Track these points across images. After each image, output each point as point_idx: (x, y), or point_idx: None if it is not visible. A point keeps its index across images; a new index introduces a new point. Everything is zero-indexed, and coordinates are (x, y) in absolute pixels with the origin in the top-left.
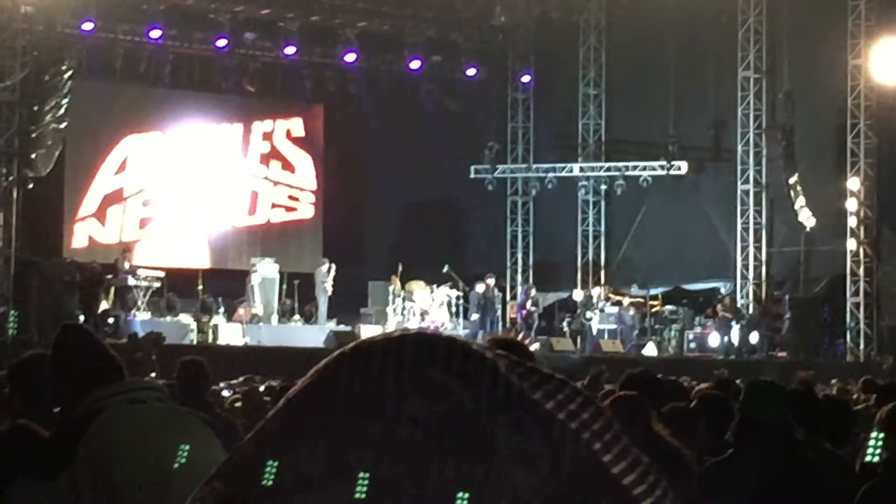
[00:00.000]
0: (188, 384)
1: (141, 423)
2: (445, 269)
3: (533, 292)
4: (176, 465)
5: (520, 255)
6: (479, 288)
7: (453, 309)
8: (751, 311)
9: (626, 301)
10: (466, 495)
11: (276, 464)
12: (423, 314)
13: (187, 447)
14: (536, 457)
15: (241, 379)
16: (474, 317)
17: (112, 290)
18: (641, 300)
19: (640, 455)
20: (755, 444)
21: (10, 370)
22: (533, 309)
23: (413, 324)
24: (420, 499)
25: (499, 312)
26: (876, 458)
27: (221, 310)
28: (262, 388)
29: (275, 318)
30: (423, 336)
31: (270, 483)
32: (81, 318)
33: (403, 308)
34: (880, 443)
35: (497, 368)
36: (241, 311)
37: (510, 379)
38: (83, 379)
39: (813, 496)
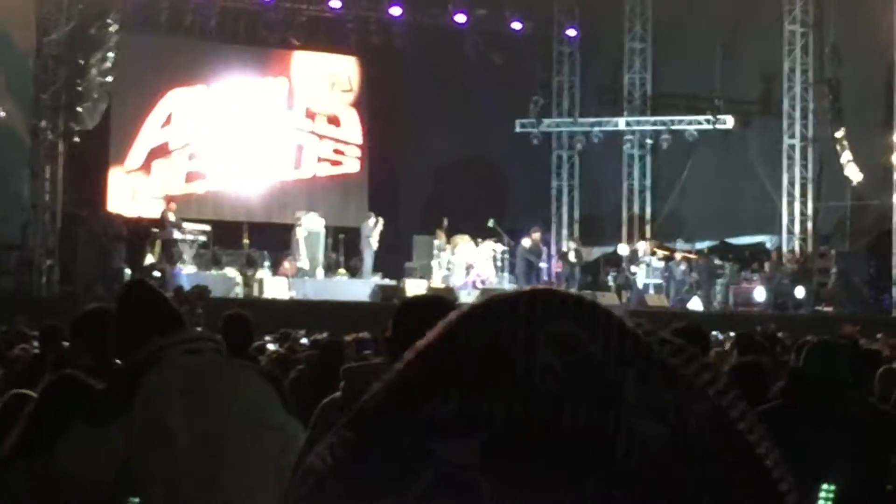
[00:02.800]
0: (232, 338)
1: (196, 372)
2: (490, 223)
3: (569, 245)
4: (232, 413)
5: (565, 210)
6: (525, 242)
7: (499, 263)
8: (797, 265)
9: (673, 255)
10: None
11: (410, 411)
12: (469, 268)
13: (243, 395)
14: (665, 409)
15: (278, 333)
16: (520, 270)
17: (158, 243)
18: (687, 254)
19: (745, 404)
20: (804, 398)
21: (73, 323)
22: (574, 261)
23: (459, 278)
24: (551, 448)
25: (544, 266)
26: None
27: (267, 263)
28: (303, 342)
29: (320, 272)
30: (552, 292)
31: (405, 430)
32: (127, 271)
33: (449, 262)
34: None
35: (624, 324)
36: (286, 264)
37: (637, 334)
38: (145, 330)
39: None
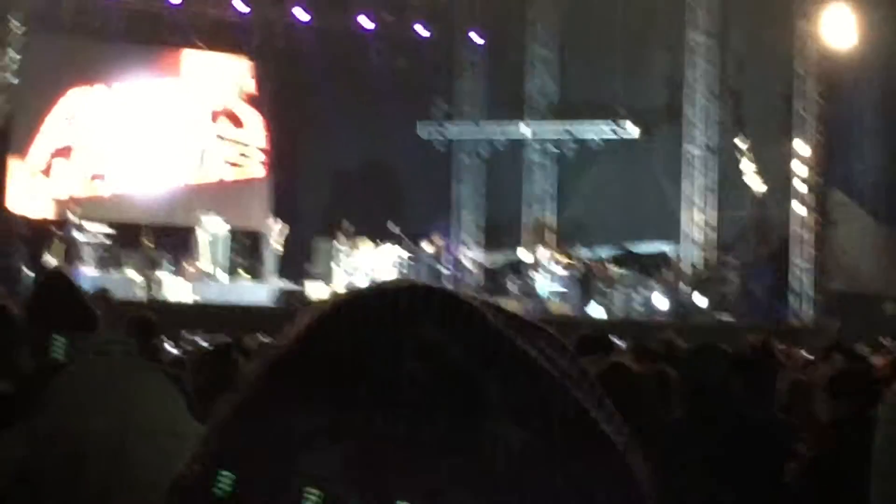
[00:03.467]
0: (136, 339)
1: (104, 375)
2: (393, 227)
3: (465, 251)
4: (138, 419)
5: (467, 216)
6: (429, 248)
7: (403, 270)
8: (698, 274)
9: (573, 263)
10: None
11: (275, 422)
12: (369, 272)
13: (150, 400)
14: (528, 410)
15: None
16: (420, 275)
17: (58, 244)
18: (589, 262)
19: (610, 403)
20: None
21: None
22: (470, 268)
23: (360, 282)
24: (414, 458)
25: (448, 272)
26: None
27: (169, 266)
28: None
29: (222, 274)
30: (417, 290)
31: (271, 441)
32: (28, 272)
33: (350, 266)
34: None
35: (486, 320)
36: (188, 267)
37: (499, 329)
38: (59, 327)
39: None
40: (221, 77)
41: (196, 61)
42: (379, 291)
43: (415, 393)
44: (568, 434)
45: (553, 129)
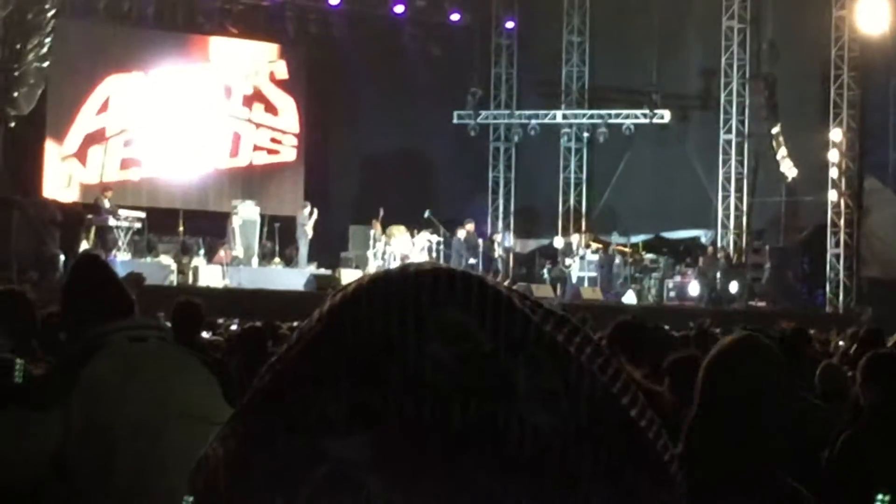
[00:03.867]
0: (182, 325)
1: (139, 361)
2: (426, 214)
3: (495, 236)
4: (173, 405)
5: (501, 202)
6: (460, 234)
7: (434, 254)
8: (731, 260)
9: (606, 249)
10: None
11: (299, 406)
12: (404, 259)
13: (185, 387)
14: (555, 395)
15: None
16: (455, 262)
17: (93, 230)
18: (622, 248)
19: (636, 389)
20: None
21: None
22: (503, 254)
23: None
24: (442, 443)
25: (479, 258)
26: None
27: (202, 251)
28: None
29: (255, 260)
30: (437, 273)
31: (296, 425)
32: (62, 257)
33: (384, 252)
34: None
35: (513, 304)
36: (221, 252)
37: (526, 314)
38: (93, 311)
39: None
40: (254, 63)
41: (229, 47)
42: (402, 275)
43: (441, 377)
44: (595, 419)
45: (587, 116)
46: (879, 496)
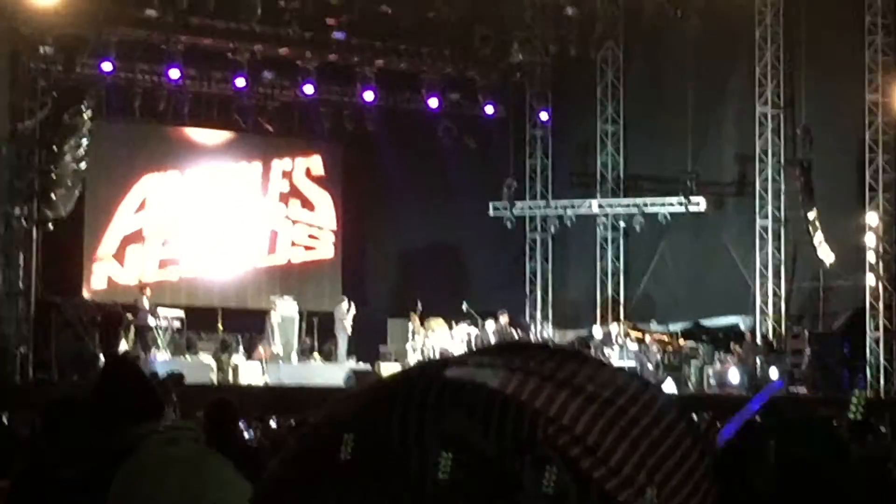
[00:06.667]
0: (216, 424)
1: (171, 465)
2: (464, 306)
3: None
4: None
5: (539, 292)
6: (492, 325)
7: (473, 346)
8: (771, 346)
9: (645, 337)
10: None
11: None
12: (443, 352)
13: (217, 491)
14: (563, 493)
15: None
16: None
17: (132, 330)
18: (660, 336)
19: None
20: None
21: (46, 411)
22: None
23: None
24: None
25: None
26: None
27: (241, 349)
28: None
29: (294, 356)
30: (443, 380)
31: None
32: (102, 357)
33: (423, 346)
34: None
35: (521, 408)
36: (260, 349)
37: (536, 415)
38: (124, 414)
39: None
40: (290, 159)
41: (265, 144)
42: (407, 383)
43: (445, 482)
44: None
45: (622, 205)
46: (856, 391)
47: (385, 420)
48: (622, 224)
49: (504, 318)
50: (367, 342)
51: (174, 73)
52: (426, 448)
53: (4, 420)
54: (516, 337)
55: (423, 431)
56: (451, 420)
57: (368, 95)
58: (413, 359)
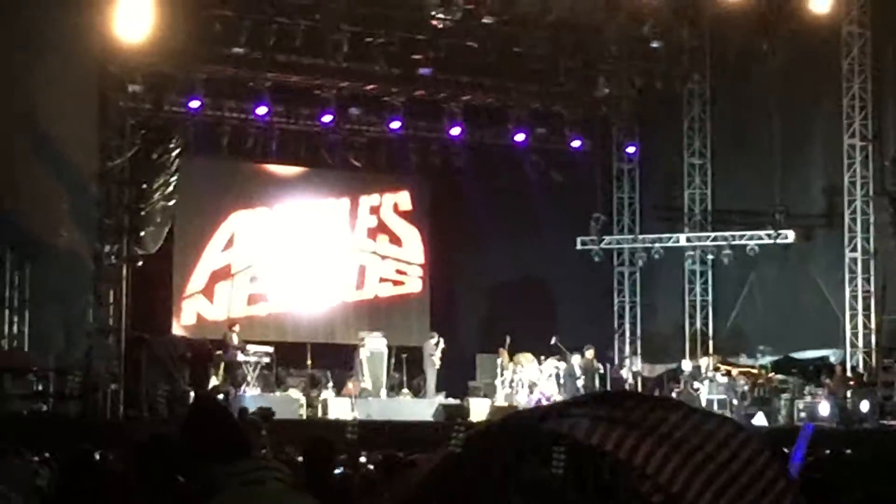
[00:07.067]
0: (314, 462)
1: None
2: (553, 340)
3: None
4: None
5: (627, 326)
6: (579, 360)
7: (561, 381)
8: (861, 378)
9: (734, 371)
10: None
11: None
12: (532, 387)
13: None
14: None
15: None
16: (570, 390)
17: (221, 365)
18: (750, 370)
19: None
20: None
21: (136, 450)
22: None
23: (522, 397)
24: None
25: (597, 385)
26: None
27: (330, 384)
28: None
29: (383, 391)
30: (527, 429)
31: None
32: (192, 394)
33: (512, 381)
34: None
35: (602, 452)
36: (349, 385)
37: (619, 464)
38: (211, 452)
39: None
40: (378, 195)
41: (352, 180)
42: (498, 430)
43: None
44: None
45: (710, 238)
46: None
47: (476, 465)
48: (710, 257)
49: (591, 353)
50: (456, 377)
51: (261, 110)
52: (507, 495)
53: (96, 457)
54: (602, 371)
55: (503, 479)
56: (532, 468)
57: (455, 130)
58: (501, 394)
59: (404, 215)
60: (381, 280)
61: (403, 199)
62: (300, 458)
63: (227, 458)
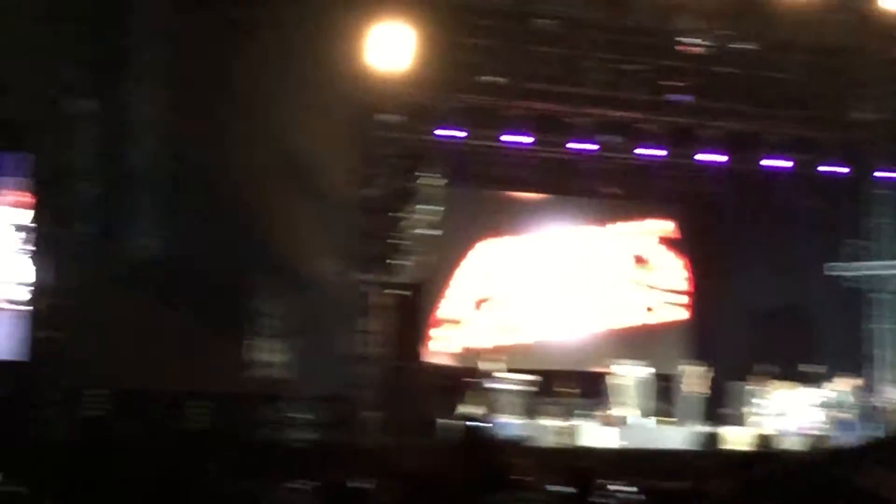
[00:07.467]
0: (574, 489)
1: None
2: (806, 368)
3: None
4: None
5: (880, 355)
6: (831, 388)
7: (815, 410)
8: None
9: None
10: None
11: None
12: (785, 415)
13: None
14: None
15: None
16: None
17: (475, 393)
18: None
19: None
20: None
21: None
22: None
23: (774, 425)
24: None
25: (856, 414)
26: None
27: (588, 412)
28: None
29: (640, 419)
30: (838, 486)
31: None
32: (447, 423)
33: (766, 409)
34: None
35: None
36: (607, 413)
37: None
38: (479, 483)
39: None
40: (634, 222)
41: (608, 208)
42: (778, 485)
43: None
44: None
45: None
46: None
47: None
48: None
49: (846, 381)
50: (711, 405)
51: (514, 138)
52: None
53: (357, 486)
54: (854, 400)
55: None
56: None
57: (713, 157)
58: (754, 422)
59: (663, 242)
60: (638, 307)
61: (659, 226)
62: (557, 487)
63: (493, 489)
